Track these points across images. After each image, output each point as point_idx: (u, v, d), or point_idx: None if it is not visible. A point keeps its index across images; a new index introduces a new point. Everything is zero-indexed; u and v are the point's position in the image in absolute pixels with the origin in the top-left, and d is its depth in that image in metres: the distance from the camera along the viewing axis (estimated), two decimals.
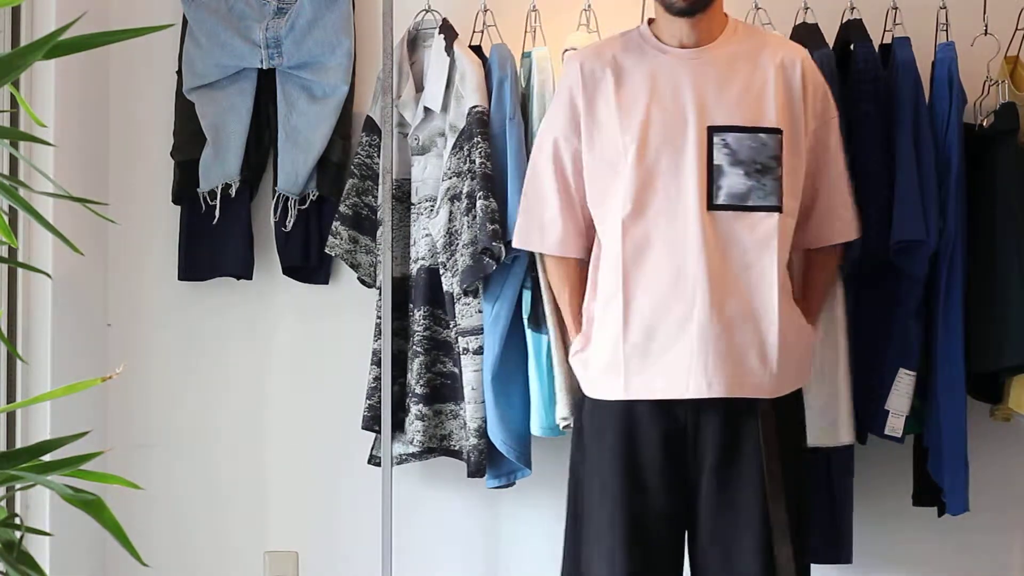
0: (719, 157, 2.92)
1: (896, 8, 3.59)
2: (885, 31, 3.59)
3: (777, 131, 2.95)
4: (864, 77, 3.44)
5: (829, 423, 3.35)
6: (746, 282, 2.91)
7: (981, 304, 3.46)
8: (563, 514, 3.10)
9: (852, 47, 3.51)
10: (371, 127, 3.71)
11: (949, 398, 3.43)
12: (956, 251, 3.43)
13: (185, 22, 3.81)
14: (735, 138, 2.92)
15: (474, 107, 3.52)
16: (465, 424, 3.57)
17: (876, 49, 3.52)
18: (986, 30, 3.60)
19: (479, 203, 3.46)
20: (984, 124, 3.55)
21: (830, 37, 3.56)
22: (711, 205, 2.91)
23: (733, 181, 2.92)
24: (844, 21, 3.60)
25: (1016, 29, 3.60)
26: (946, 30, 3.56)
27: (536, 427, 3.52)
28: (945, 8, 3.57)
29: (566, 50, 3.53)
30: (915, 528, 3.68)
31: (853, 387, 3.41)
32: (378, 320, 3.64)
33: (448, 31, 3.64)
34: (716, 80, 2.97)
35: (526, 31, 3.65)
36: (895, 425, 3.45)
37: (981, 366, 3.46)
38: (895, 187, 3.40)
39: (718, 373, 2.89)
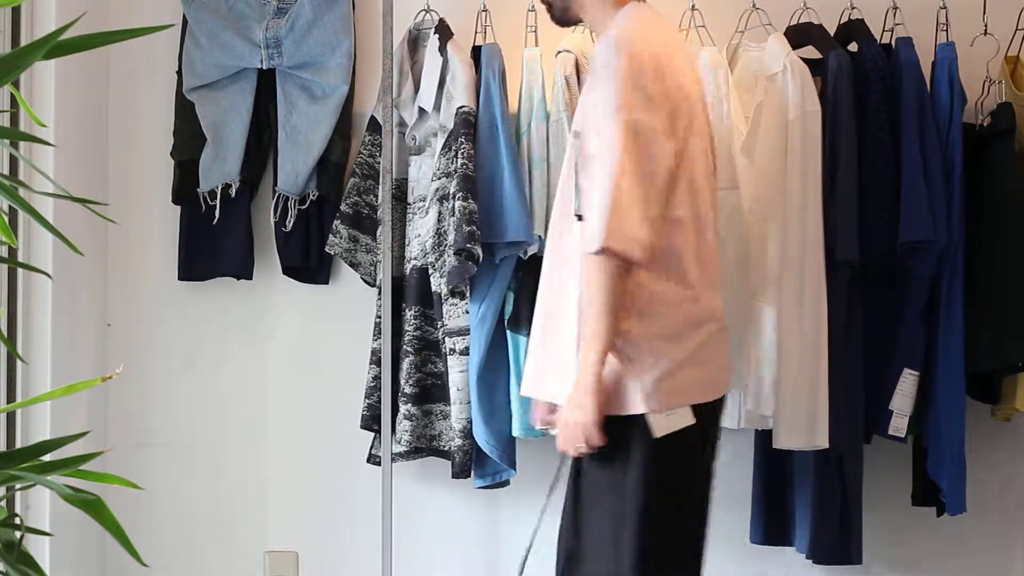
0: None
1: (896, 8, 3.59)
2: (885, 31, 3.59)
3: (577, 135, 2.82)
4: (872, 76, 3.45)
5: (806, 425, 3.34)
6: (558, 290, 2.87)
7: (980, 304, 3.47)
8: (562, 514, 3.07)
9: (858, 47, 3.52)
10: (375, 127, 3.72)
11: (948, 398, 3.43)
12: (957, 251, 3.44)
13: (185, 22, 3.80)
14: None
15: (461, 107, 3.53)
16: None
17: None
18: (986, 30, 3.60)
19: (458, 204, 3.47)
20: (984, 124, 3.55)
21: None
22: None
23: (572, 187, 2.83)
24: (845, 21, 3.60)
25: (1016, 29, 3.61)
26: (946, 30, 3.56)
27: (516, 429, 3.53)
28: (945, 8, 3.57)
29: (559, 52, 3.53)
30: (914, 528, 3.68)
31: (850, 389, 3.42)
32: (378, 319, 3.64)
33: (443, 31, 3.65)
34: None
35: (526, 31, 3.65)
36: (899, 425, 3.45)
37: (980, 366, 3.46)
38: (901, 187, 3.40)
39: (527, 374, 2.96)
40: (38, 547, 3.15)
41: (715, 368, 2.82)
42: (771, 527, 3.56)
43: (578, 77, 3.53)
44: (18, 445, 3.44)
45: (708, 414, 2.80)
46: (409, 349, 3.61)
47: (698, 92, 2.86)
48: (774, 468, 3.53)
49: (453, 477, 3.57)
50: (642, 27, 2.80)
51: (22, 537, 1.66)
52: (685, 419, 2.73)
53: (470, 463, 3.56)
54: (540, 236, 3.48)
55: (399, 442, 3.61)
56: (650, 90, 2.69)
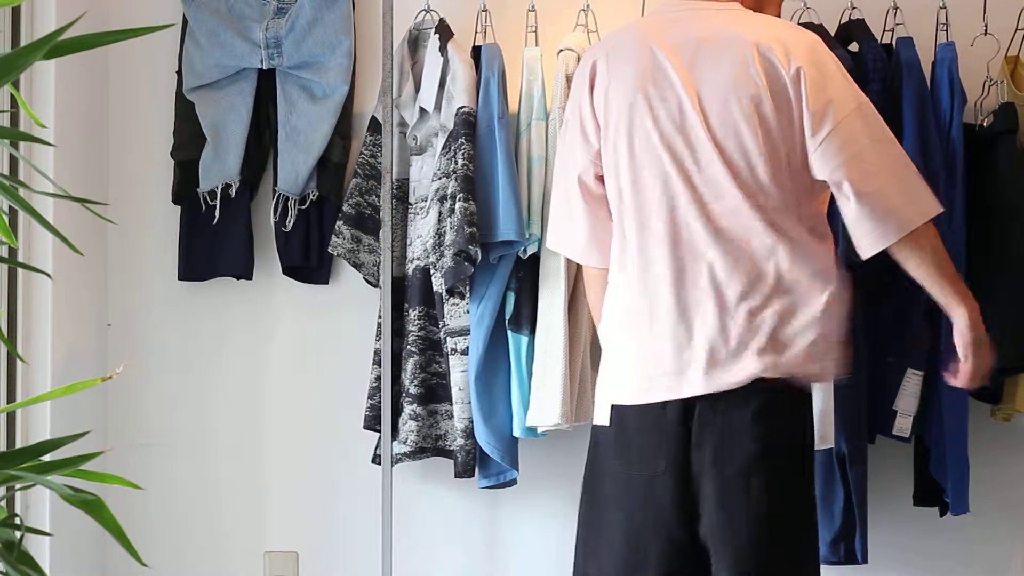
0: None
1: (896, 8, 3.59)
2: (885, 31, 3.59)
3: None
4: (873, 76, 3.44)
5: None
6: None
7: (983, 304, 3.46)
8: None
9: (859, 47, 3.52)
10: (376, 127, 3.72)
11: (951, 399, 3.43)
12: (959, 251, 3.43)
13: (185, 22, 3.81)
14: None
15: (461, 107, 3.53)
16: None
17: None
18: (986, 30, 3.60)
19: (458, 205, 3.47)
20: (984, 124, 3.55)
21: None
22: None
23: None
24: (845, 21, 3.60)
25: (1016, 29, 3.60)
26: (946, 30, 3.56)
27: (517, 429, 3.53)
28: (945, 8, 3.57)
29: (561, 50, 3.54)
30: (916, 528, 3.68)
31: (855, 389, 3.41)
32: (379, 320, 3.64)
33: (444, 31, 3.65)
34: None
35: (526, 31, 3.66)
36: (903, 425, 3.45)
37: None
38: None
39: None
40: (38, 547, 3.15)
41: (629, 371, 2.68)
42: None
43: None
44: (18, 445, 3.44)
45: (630, 420, 2.65)
46: (413, 349, 3.61)
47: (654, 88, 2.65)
48: None
49: (456, 477, 3.57)
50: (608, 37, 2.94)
51: (22, 537, 1.66)
52: (600, 416, 2.70)
53: (473, 463, 3.56)
54: (537, 236, 3.48)
55: (404, 442, 3.61)
56: (568, 107, 2.84)
